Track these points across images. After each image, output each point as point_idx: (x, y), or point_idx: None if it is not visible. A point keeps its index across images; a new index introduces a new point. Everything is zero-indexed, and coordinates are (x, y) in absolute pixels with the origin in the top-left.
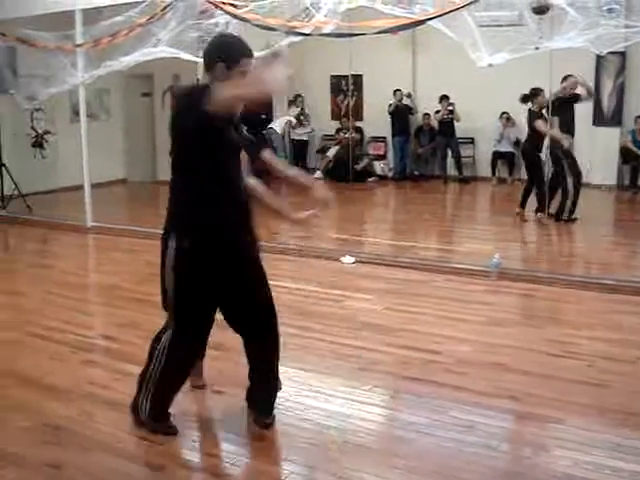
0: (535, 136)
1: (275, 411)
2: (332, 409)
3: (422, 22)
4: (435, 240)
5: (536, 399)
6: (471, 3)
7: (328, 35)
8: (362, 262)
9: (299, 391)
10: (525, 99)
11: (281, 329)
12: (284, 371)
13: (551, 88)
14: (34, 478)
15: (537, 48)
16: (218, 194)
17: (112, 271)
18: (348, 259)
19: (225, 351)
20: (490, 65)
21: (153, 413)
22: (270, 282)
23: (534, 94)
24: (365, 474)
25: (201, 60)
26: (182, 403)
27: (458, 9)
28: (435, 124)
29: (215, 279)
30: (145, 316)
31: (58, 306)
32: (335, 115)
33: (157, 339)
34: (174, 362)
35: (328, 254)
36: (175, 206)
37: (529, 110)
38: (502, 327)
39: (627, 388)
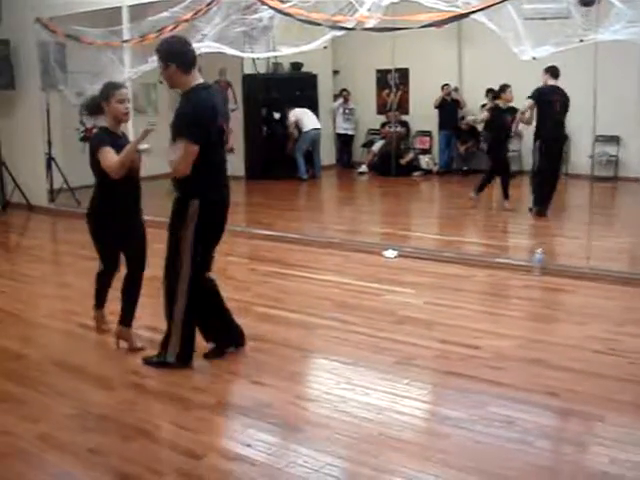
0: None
1: (312, 403)
2: (369, 402)
3: (466, 15)
4: (479, 235)
5: (575, 395)
6: None
7: (371, 29)
8: (404, 256)
9: (337, 383)
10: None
11: (320, 321)
12: (324, 363)
13: (595, 85)
14: (74, 463)
15: (581, 41)
16: None
17: (154, 263)
18: (390, 253)
19: (266, 342)
20: (534, 58)
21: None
22: (312, 275)
23: (502, 90)
24: (400, 467)
25: (246, 54)
26: (222, 393)
27: (502, 1)
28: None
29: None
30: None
31: None
32: (380, 109)
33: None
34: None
35: (371, 248)
36: None
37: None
38: (543, 323)
39: None
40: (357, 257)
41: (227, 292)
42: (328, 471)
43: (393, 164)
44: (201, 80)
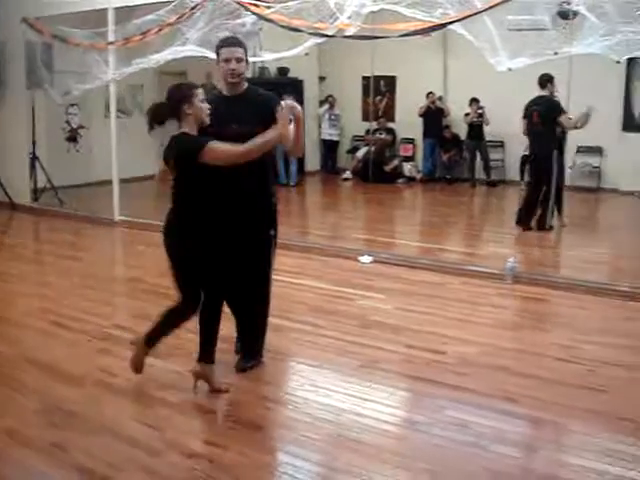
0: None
1: (275, 404)
2: (331, 403)
3: (443, 26)
4: (456, 243)
5: (534, 402)
6: (491, 7)
7: (351, 37)
8: (380, 262)
9: (302, 385)
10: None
11: (293, 325)
12: (290, 365)
13: (569, 94)
14: (38, 457)
15: (556, 53)
16: None
17: (135, 264)
18: (366, 259)
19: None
20: (509, 69)
21: None
22: (290, 280)
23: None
24: (356, 468)
25: None
26: (187, 392)
27: (478, 13)
28: (460, 130)
29: None
30: (160, 309)
31: (80, 297)
32: (365, 116)
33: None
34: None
35: (347, 253)
36: None
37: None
38: (510, 330)
39: (626, 394)
40: (335, 262)
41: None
42: (285, 470)
43: (371, 171)
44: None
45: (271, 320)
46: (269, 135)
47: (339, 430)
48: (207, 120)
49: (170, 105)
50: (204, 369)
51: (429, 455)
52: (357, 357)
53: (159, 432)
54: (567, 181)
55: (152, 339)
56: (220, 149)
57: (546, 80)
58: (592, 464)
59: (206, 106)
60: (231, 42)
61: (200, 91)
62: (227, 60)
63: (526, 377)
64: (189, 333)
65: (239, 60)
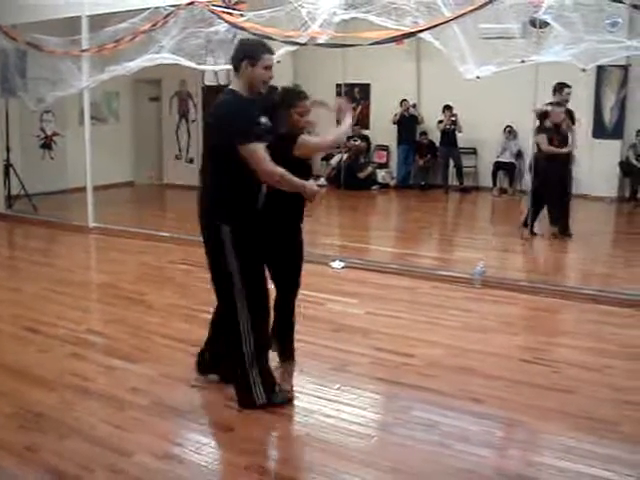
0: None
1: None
2: (299, 405)
3: (413, 34)
4: (428, 248)
5: (499, 402)
6: (459, 16)
7: (322, 45)
8: (352, 267)
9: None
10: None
11: None
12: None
13: (535, 102)
14: (9, 459)
15: (523, 61)
16: None
17: (108, 270)
18: (337, 264)
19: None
20: (477, 78)
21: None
22: None
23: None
24: (322, 467)
25: (204, 67)
26: (157, 395)
27: (447, 22)
28: (433, 137)
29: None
30: (132, 313)
31: (53, 302)
32: (339, 123)
33: (229, 326)
34: (260, 334)
35: (319, 259)
36: None
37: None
38: (478, 333)
39: (589, 394)
40: (307, 268)
41: (173, 300)
42: (254, 470)
43: (343, 178)
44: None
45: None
46: (343, 129)
47: (307, 430)
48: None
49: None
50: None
51: (395, 454)
52: (327, 360)
53: (130, 434)
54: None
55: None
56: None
57: (560, 87)
58: (555, 462)
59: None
60: (269, 49)
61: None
62: (268, 67)
63: (492, 378)
64: (160, 337)
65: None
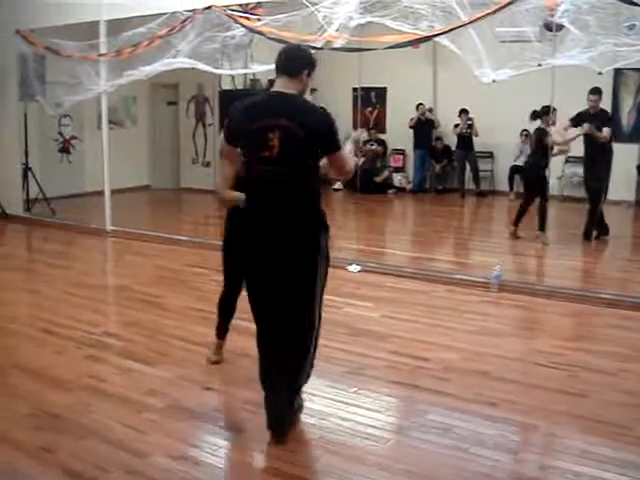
0: (541, 153)
1: (260, 408)
2: (314, 408)
3: (429, 38)
4: (444, 252)
5: (514, 406)
6: (476, 20)
7: (339, 49)
8: (368, 271)
9: None
10: (535, 116)
11: None
12: None
13: (552, 105)
14: (28, 460)
15: (540, 65)
16: None
17: (125, 273)
18: (354, 267)
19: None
20: (494, 81)
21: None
22: None
23: (545, 112)
24: (337, 470)
25: (221, 71)
26: (173, 397)
27: (463, 25)
28: (450, 141)
29: None
30: (149, 316)
31: (70, 304)
32: (356, 127)
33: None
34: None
35: (336, 262)
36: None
37: (537, 128)
38: (493, 337)
39: (603, 398)
40: None
41: (189, 303)
42: (268, 472)
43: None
44: (277, 88)
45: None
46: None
47: (322, 433)
48: None
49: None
50: None
51: (410, 458)
52: (343, 364)
53: (146, 435)
54: (556, 191)
55: None
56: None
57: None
58: (569, 466)
59: None
60: None
61: None
62: None
63: (507, 382)
64: (176, 340)
65: None
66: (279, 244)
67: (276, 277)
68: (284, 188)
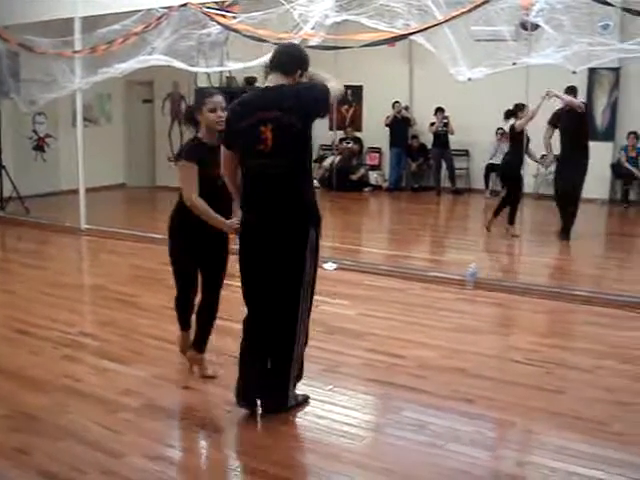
0: (517, 151)
1: (237, 407)
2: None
3: (404, 36)
4: (420, 250)
5: (490, 402)
6: (451, 19)
7: (315, 47)
8: (344, 269)
9: None
10: (509, 114)
11: None
12: None
13: (528, 103)
14: (3, 462)
15: (514, 64)
16: None
17: (100, 272)
18: (330, 265)
19: None
20: (469, 80)
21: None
22: None
23: (519, 109)
24: (314, 467)
25: (196, 69)
26: (150, 397)
27: (438, 24)
28: (426, 139)
29: None
30: (124, 315)
31: (45, 304)
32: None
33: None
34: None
35: None
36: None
37: (511, 125)
38: (469, 334)
39: (580, 394)
40: None
41: (164, 301)
42: (245, 471)
43: (335, 179)
44: (271, 84)
45: (233, 325)
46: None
47: (298, 432)
48: (218, 127)
49: (185, 113)
50: (196, 356)
51: (386, 455)
52: (319, 361)
53: (122, 435)
54: (531, 189)
55: None
56: (185, 177)
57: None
58: (546, 461)
59: (214, 115)
60: None
61: (213, 100)
62: None
63: (484, 379)
64: (152, 339)
65: None
66: (271, 240)
67: (266, 268)
68: (279, 182)
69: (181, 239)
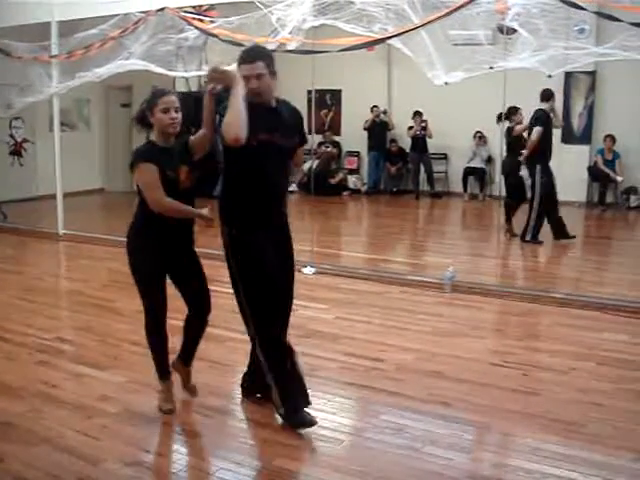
0: (515, 152)
1: (215, 412)
2: (268, 411)
3: (382, 41)
4: (399, 253)
5: (467, 405)
6: (428, 23)
7: (292, 51)
8: (322, 273)
9: (240, 393)
10: (502, 118)
11: (232, 334)
12: (229, 375)
13: (504, 107)
14: None
15: (491, 68)
16: None
17: (76, 277)
18: (308, 270)
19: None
20: (446, 84)
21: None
22: (230, 291)
23: (513, 112)
24: (291, 472)
25: (175, 73)
26: (127, 403)
27: (415, 28)
28: (404, 143)
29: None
30: (102, 320)
31: (21, 310)
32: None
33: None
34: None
35: None
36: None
37: (507, 128)
38: (447, 337)
39: (556, 397)
40: None
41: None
42: (221, 475)
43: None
44: None
45: (211, 330)
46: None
47: (275, 436)
48: (169, 130)
49: (141, 111)
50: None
51: (364, 458)
52: None
53: (99, 441)
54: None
55: None
56: (146, 180)
57: (548, 95)
58: (522, 463)
59: (167, 117)
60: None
61: (165, 99)
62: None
63: (460, 382)
64: (129, 344)
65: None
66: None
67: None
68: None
69: (147, 252)
